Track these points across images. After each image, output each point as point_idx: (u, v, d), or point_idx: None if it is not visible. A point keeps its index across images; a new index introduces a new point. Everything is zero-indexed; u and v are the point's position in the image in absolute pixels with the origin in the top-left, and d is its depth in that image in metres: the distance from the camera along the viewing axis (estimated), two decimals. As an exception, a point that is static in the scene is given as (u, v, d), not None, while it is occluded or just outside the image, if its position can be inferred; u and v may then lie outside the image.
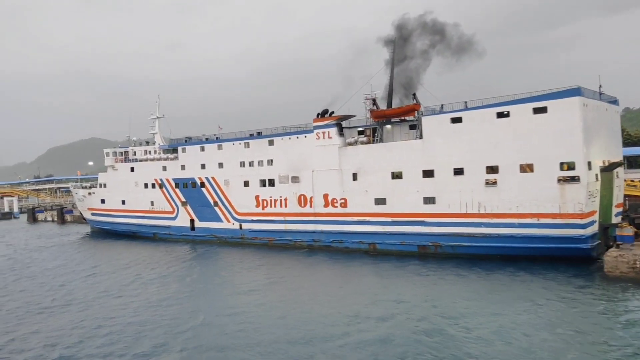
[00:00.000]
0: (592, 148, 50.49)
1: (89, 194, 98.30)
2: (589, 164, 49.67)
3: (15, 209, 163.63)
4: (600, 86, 54.48)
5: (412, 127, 62.99)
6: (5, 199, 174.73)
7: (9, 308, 45.38)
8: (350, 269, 55.58)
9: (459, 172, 56.19)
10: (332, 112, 68.01)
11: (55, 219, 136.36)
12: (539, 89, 55.79)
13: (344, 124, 68.11)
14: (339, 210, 65.83)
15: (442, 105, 59.64)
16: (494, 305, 38.22)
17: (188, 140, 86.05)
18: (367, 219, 63.38)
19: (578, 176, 48.96)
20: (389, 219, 61.61)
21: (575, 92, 49.21)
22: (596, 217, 51.15)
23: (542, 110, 50.70)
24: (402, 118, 63.53)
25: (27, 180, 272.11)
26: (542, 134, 50.70)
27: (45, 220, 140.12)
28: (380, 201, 62.19)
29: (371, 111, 64.12)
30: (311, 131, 68.44)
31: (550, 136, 50.22)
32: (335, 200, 66.21)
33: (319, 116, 68.46)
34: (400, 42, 66.01)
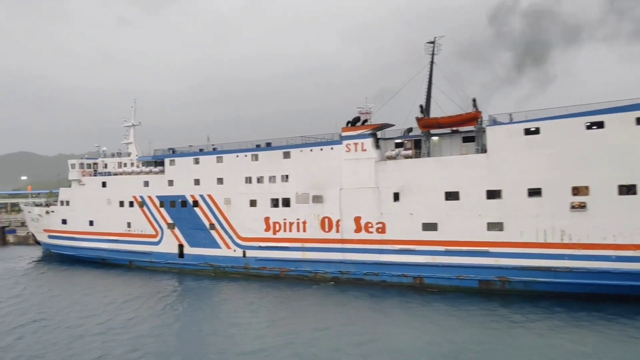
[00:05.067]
0: None
1: (47, 212, 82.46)
2: None
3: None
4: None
5: (467, 139, 53.57)
6: None
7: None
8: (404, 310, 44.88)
9: (535, 192, 47.10)
10: (366, 120, 57.77)
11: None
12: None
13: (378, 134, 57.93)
14: (375, 236, 55.14)
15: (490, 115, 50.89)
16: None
17: (172, 152, 72.98)
18: (412, 247, 53.06)
19: (698, 200, 40.88)
20: (441, 248, 51.57)
21: (694, 99, 41.40)
22: None
23: (649, 120, 42.58)
24: (455, 129, 53.99)
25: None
26: (649, 148, 42.47)
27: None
28: (430, 226, 52.10)
29: (418, 119, 54.25)
30: (339, 142, 57.73)
31: (661, 152, 42.05)
32: (370, 225, 55.49)
33: (349, 124, 58.02)
34: None
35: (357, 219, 56.22)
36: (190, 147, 72.80)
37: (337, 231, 57.41)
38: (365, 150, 55.98)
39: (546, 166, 46.44)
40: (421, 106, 55.17)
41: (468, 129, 53.43)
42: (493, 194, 49.04)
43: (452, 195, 50.99)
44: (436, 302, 46.97)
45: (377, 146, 56.41)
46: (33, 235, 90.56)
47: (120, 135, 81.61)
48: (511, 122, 48.98)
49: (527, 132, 47.50)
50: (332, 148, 58.15)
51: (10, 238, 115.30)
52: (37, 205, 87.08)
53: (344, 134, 57.55)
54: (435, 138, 55.23)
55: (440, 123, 52.70)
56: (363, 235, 55.87)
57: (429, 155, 54.23)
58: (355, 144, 56.47)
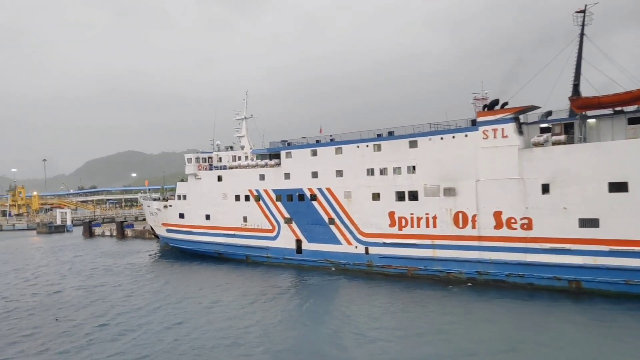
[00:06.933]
0: None
1: (165, 207, 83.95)
2: None
3: (69, 222, 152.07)
4: None
5: (634, 120, 45.84)
6: (57, 210, 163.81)
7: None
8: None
9: None
10: (506, 103, 51.63)
11: (114, 234, 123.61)
12: None
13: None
14: (520, 233, 49.00)
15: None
16: None
17: (286, 144, 70.72)
18: (566, 246, 46.38)
19: None
20: (604, 248, 44.47)
21: None
22: None
23: None
24: (619, 109, 46.42)
25: (72, 191, 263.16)
26: None
27: (102, 235, 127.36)
28: (589, 223, 45.11)
29: (572, 99, 47.30)
30: (475, 128, 52.06)
31: None
32: (513, 220, 49.41)
33: (486, 108, 52.19)
34: None
35: (497, 214, 50.35)
36: (304, 139, 70.27)
37: (474, 227, 51.87)
38: (506, 136, 49.90)
39: None
40: (575, 85, 48.10)
41: (633, 109, 45.67)
42: (674, 185, 41.28)
43: (618, 187, 43.67)
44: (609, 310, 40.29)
45: (520, 132, 50.13)
46: (151, 228, 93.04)
47: (224, 131, 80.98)
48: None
49: None
50: (466, 135, 52.62)
51: (129, 232, 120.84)
52: (155, 200, 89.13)
53: (480, 119, 51.79)
54: (592, 120, 47.95)
55: (602, 103, 45.29)
56: (504, 232, 49.90)
57: (585, 140, 47.15)
58: (495, 129, 50.53)
